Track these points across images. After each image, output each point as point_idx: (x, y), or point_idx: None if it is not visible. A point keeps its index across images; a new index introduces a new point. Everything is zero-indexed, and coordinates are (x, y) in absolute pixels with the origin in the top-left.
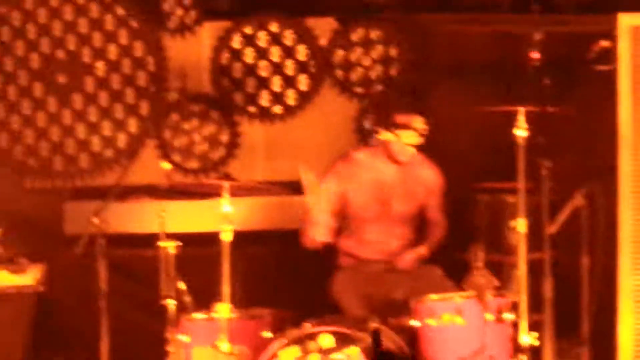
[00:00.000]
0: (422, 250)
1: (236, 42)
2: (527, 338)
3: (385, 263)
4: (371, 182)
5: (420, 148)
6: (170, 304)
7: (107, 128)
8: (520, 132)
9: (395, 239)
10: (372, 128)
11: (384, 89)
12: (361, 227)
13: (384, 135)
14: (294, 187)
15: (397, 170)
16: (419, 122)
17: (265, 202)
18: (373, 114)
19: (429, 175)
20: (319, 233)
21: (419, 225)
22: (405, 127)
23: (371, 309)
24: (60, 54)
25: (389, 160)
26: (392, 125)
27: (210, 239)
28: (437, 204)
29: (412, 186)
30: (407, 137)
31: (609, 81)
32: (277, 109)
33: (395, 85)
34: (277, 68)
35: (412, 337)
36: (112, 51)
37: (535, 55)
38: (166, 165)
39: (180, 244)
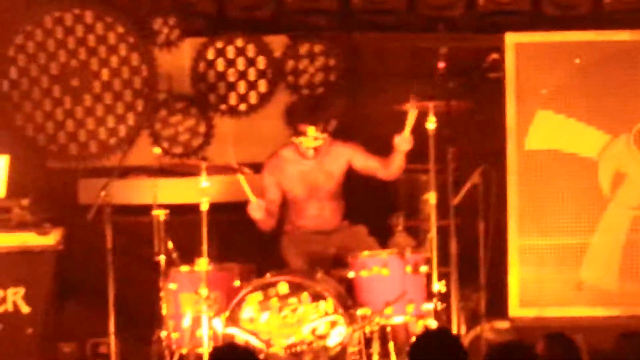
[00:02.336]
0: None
1: (210, 54)
2: (438, 286)
3: (319, 229)
4: (296, 173)
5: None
6: (162, 259)
7: (111, 121)
8: (431, 125)
9: (327, 210)
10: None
11: (293, 102)
12: (298, 205)
13: (294, 139)
14: (254, 168)
15: (313, 161)
16: (312, 131)
17: (233, 179)
18: (287, 124)
19: (341, 151)
20: (254, 212)
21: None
22: (303, 134)
23: (312, 264)
24: (74, 63)
25: (302, 157)
26: (295, 133)
27: (192, 208)
28: (368, 157)
29: (329, 168)
30: (306, 141)
31: (499, 85)
32: (243, 107)
33: (329, 90)
34: (242, 74)
35: (348, 285)
36: (114, 61)
37: (441, 64)
38: (157, 151)
39: (169, 212)
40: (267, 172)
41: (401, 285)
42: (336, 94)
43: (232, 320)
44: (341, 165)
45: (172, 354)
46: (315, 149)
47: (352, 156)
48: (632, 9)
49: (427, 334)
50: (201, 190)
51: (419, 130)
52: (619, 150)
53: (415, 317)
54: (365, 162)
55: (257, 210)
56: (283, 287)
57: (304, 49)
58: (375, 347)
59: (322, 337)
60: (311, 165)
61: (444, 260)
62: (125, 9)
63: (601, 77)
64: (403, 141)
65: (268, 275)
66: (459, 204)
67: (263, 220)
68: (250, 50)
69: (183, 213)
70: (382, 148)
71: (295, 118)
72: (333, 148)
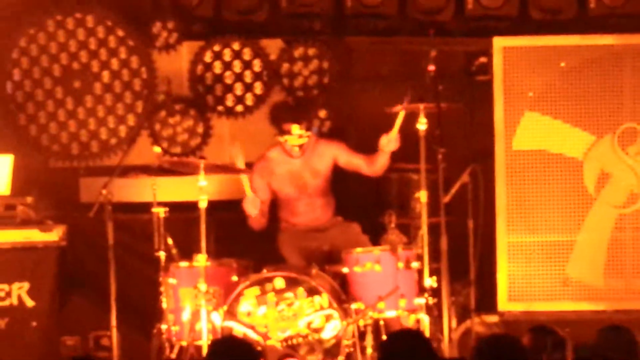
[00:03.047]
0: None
1: (208, 57)
2: (429, 281)
3: (313, 226)
4: (285, 173)
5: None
6: (162, 255)
7: (111, 122)
8: (421, 126)
9: (318, 207)
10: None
11: (279, 103)
12: (290, 204)
13: (280, 138)
14: (249, 166)
15: (300, 160)
16: (296, 129)
17: (230, 178)
18: (273, 124)
19: (326, 149)
20: (249, 207)
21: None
22: (287, 133)
23: (308, 260)
24: (75, 65)
25: (288, 156)
26: (280, 132)
27: (190, 206)
28: (352, 154)
29: (315, 166)
30: (291, 140)
31: (487, 88)
32: (239, 108)
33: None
34: (239, 77)
35: (342, 280)
36: (115, 63)
37: (431, 67)
38: (156, 150)
39: (168, 209)
40: (257, 174)
41: (393, 281)
42: (319, 94)
43: (230, 313)
44: (327, 162)
45: (172, 347)
46: (301, 147)
47: (336, 153)
48: (616, 13)
49: (396, 334)
50: (199, 189)
51: (410, 131)
52: (604, 150)
53: (408, 311)
54: (349, 159)
55: (251, 205)
56: (279, 282)
57: (298, 52)
58: (369, 340)
59: (317, 330)
60: (298, 164)
61: (434, 256)
62: (125, 13)
63: (586, 80)
64: (389, 142)
65: (265, 270)
66: (449, 202)
67: (256, 218)
68: (247, 54)
69: (182, 210)
70: (372, 147)
71: (279, 118)
72: (318, 146)
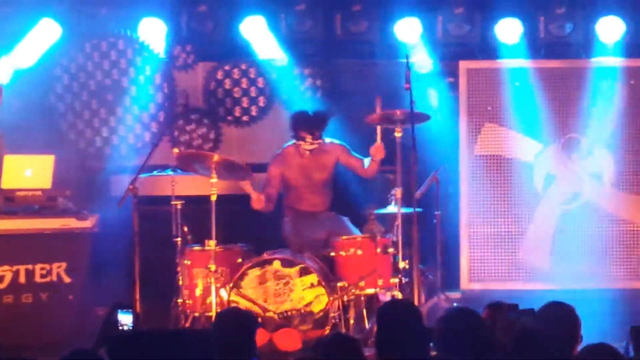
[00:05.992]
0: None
1: (219, 75)
2: (402, 264)
3: (312, 213)
4: (296, 166)
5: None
6: (178, 240)
7: (138, 128)
8: (398, 134)
9: (319, 196)
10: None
11: (296, 113)
12: (297, 190)
13: (295, 141)
14: (254, 168)
15: (310, 156)
16: (309, 139)
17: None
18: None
19: (331, 149)
20: (255, 206)
21: (334, 190)
22: (302, 139)
23: (307, 245)
24: (107, 81)
25: (300, 155)
26: (296, 137)
27: (203, 199)
28: (351, 157)
29: (322, 162)
30: (304, 145)
31: (455, 102)
32: (245, 118)
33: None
34: (245, 92)
35: (331, 262)
36: (141, 80)
37: (407, 85)
38: (175, 151)
39: (184, 202)
40: (274, 165)
41: (372, 263)
42: (328, 110)
43: (235, 289)
44: (332, 160)
45: (186, 317)
46: (311, 151)
47: (339, 154)
48: (560, 42)
49: (391, 302)
50: (211, 185)
51: (388, 139)
52: (550, 156)
53: (384, 289)
54: (348, 160)
55: (257, 203)
56: (277, 264)
57: (296, 71)
58: (352, 313)
59: (308, 304)
60: (308, 159)
61: (407, 243)
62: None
63: (536, 97)
64: (376, 151)
65: (265, 254)
66: (421, 197)
67: (264, 208)
68: (252, 73)
69: (196, 203)
70: (355, 148)
71: (297, 125)
72: (326, 145)
